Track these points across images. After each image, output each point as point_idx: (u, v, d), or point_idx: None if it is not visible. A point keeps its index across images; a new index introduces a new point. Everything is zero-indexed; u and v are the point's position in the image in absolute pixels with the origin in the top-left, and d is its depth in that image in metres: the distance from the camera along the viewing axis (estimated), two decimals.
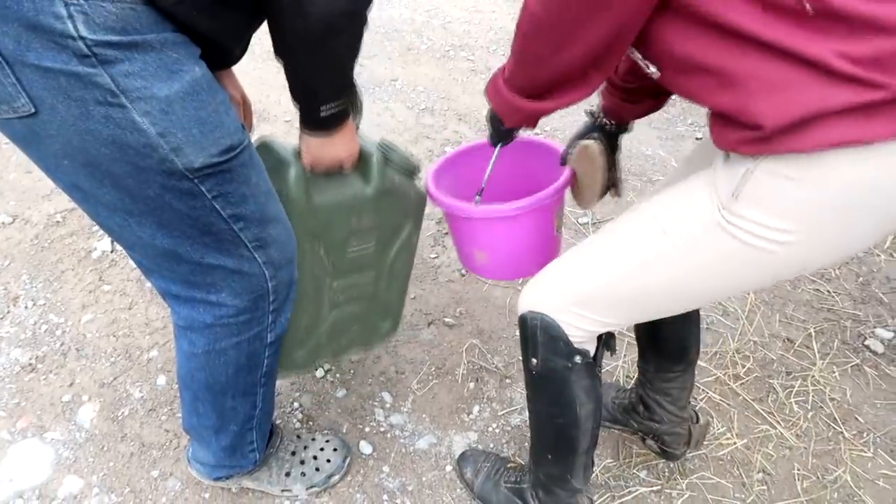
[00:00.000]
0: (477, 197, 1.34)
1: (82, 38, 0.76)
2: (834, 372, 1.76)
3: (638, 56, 0.91)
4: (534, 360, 1.12)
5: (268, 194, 1.04)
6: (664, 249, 0.93)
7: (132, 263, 2.03)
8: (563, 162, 1.31)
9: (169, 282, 1.06)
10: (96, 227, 2.18)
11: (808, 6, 0.71)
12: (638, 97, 1.21)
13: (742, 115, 0.77)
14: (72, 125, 0.82)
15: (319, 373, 1.72)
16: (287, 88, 1.00)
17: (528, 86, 0.99)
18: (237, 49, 1.02)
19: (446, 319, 1.89)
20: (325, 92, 1.00)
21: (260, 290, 1.09)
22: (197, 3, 0.84)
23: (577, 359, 1.09)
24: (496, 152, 1.26)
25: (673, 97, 1.18)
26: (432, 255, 2.11)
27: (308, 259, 1.23)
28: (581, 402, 1.14)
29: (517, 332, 1.83)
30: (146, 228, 0.95)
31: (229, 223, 0.98)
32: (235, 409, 1.24)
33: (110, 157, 0.85)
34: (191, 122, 0.87)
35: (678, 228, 0.91)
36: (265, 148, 1.17)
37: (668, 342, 1.35)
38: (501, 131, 1.18)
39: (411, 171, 1.30)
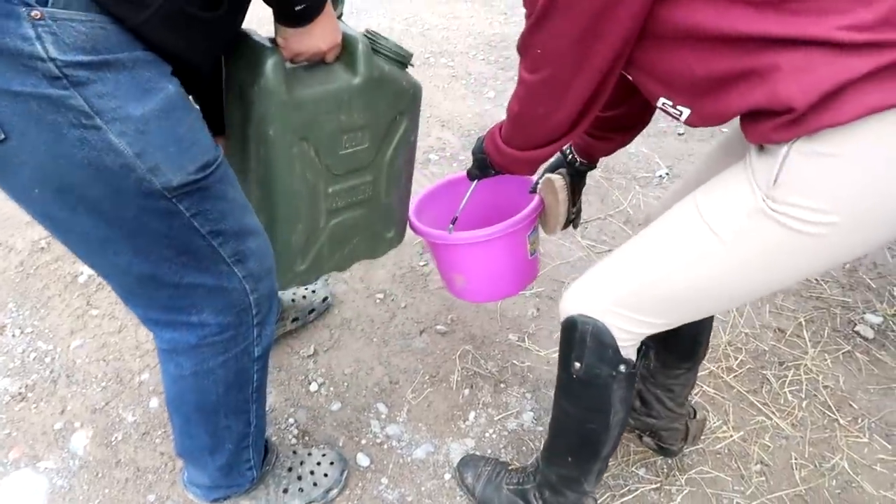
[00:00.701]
0: (450, 225, 1.40)
1: (52, 59, 0.75)
2: (826, 360, 1.77)
3: (668, 104, 0.93)
4: (577, 364, 1.11)
5: (244, 207, 1.04)
6: (710, 245, 0.92)
7: None
8: (533, 191, 1.41)
9: (147, 308, 1.05)
10: None
11: None
12: (605, 133, 1.27)
13: (772, 103, 0.78)
14: (44, 151, 0.80)
15: (313, 387, 1.71)
16: None
17: (525, 144, 1.09)
18: (206, 68, 1.01)
19: (438, 327, 1.88)
20: None
21: (242, 305, 1.08)
22: (165, 21, 0.83)
23: (622, 368, 1.09)
24: (472, 186, 1.36)
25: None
26: (421, 263, 2.11)
27: (299, 162, 1.16)
28: (615, 411, 1.14)
29: (509, 336, 1.85)
30: (122, 255, 0.93)
31: (208, 239, 0.97)
32: (229, 428, 1.22)
33: (85, 182, 0.83)
34: (167, 140, 0.86)
35: (723, 222, 0.91)
36: (241, 39, 1.09)
37: (681, 339, 1.32)
38: (487, 173, 1.27)
39: (403, 58, 1.23)
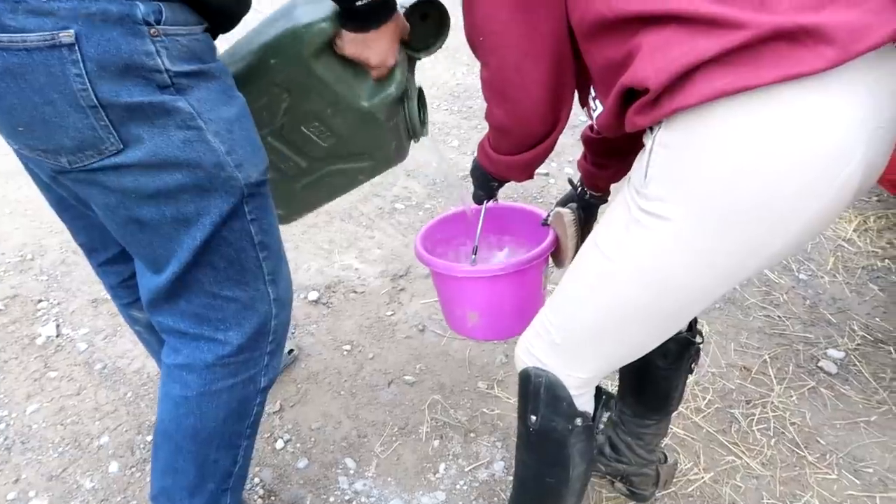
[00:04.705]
0: (473, 256, 1.37)
1: (167, 70, 0.86)
2: (792, 396, 1.79)
3: (591, 96, 0.95)
4: (533, 418, 1.09)
5: (279, 230, 1.12)
6: (602, 267, 0.92)
7: (79, 347, 1.97)
8: (545, 223, 1.39)
9: (177, 318, 1.08)
10: (41, 313, 2.11)
11: None
12: (602, 160, 1.28)
13: (633, 82, 0.78)
14: (153, 154, 0.90)
15: (279, 444, 1.67)
16: None
17: (512, 147, 1.10)
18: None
19: (406, 377, 1.86)
20: None
21: (263, 328, 1.12)
22: None
23: (578, 421, 1.07)
24: (483, 208, 1.36)
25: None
26: (388, 313, 2.10)
27: (267, 98, 1.16)
28: (575, 464, 1.12)
29: (478, 384, 1.83)
30: (182, 258, 1.00)
31: (257, 250, 1.05)
32: (217, 463, 1.19)
33: (181, 182, 0.93)
34: (245, 141, 0.98)
35: (607, 241, 0.92)
36: None
37: (654, 390, 1.31)
38: (489, 188, 1.29)
39: (412, 130, 1.25)
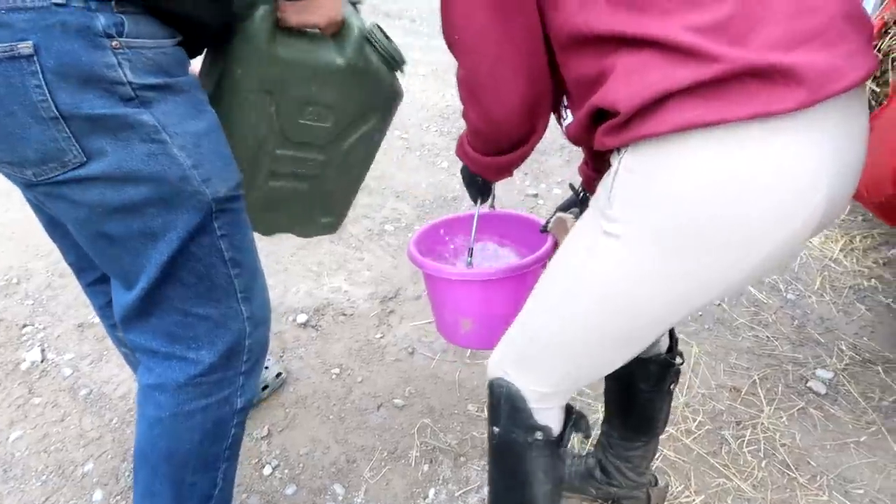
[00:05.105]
0: (469, 258, 1.34)
1: (130, 82, 0.86)
2: (781, 417, 1.79)
3: (564, 105, 0.96)
4: (495, 429, 1.09)
5: (254, 247, 1.11)
6: (566, 285, 0.93)
7: (64, 373, 1.94)
8: (544, 230, 1.38)
9: (149, 336, 1.06)
10: (26, 337, 2.09)
11: None
12: (600, 165, 1.28)
13: (603, 102, 0.78)
14: (116, 167, 0.89)
15: (267, 470, 1.65)
16: None
17: (488, 148, 1.09)
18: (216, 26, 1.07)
19: (395, 401, 1.85)
20: None
21: (237, 347, 1.10)
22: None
23: (538, 435, 1.06)
24: (478, 207, 1.34)
25: None
26: (377, 336, 2.09)
27: (255, 112, 1.17)
28: (538, 481, 1.10)
29: (468, 407, 1.82)
30: (150, 274, 0.98)
31: (228, 267, 1.04)
32: (194, 486, 1.16)
33: (146, 196, 0.92)
34: (215, 155, 0.98)
35: (571, 261, 0.92)
36: None
37: (638, 413, 1.31)
38: (479, 186, 1.28)
39: (394, 60, 1.25)
